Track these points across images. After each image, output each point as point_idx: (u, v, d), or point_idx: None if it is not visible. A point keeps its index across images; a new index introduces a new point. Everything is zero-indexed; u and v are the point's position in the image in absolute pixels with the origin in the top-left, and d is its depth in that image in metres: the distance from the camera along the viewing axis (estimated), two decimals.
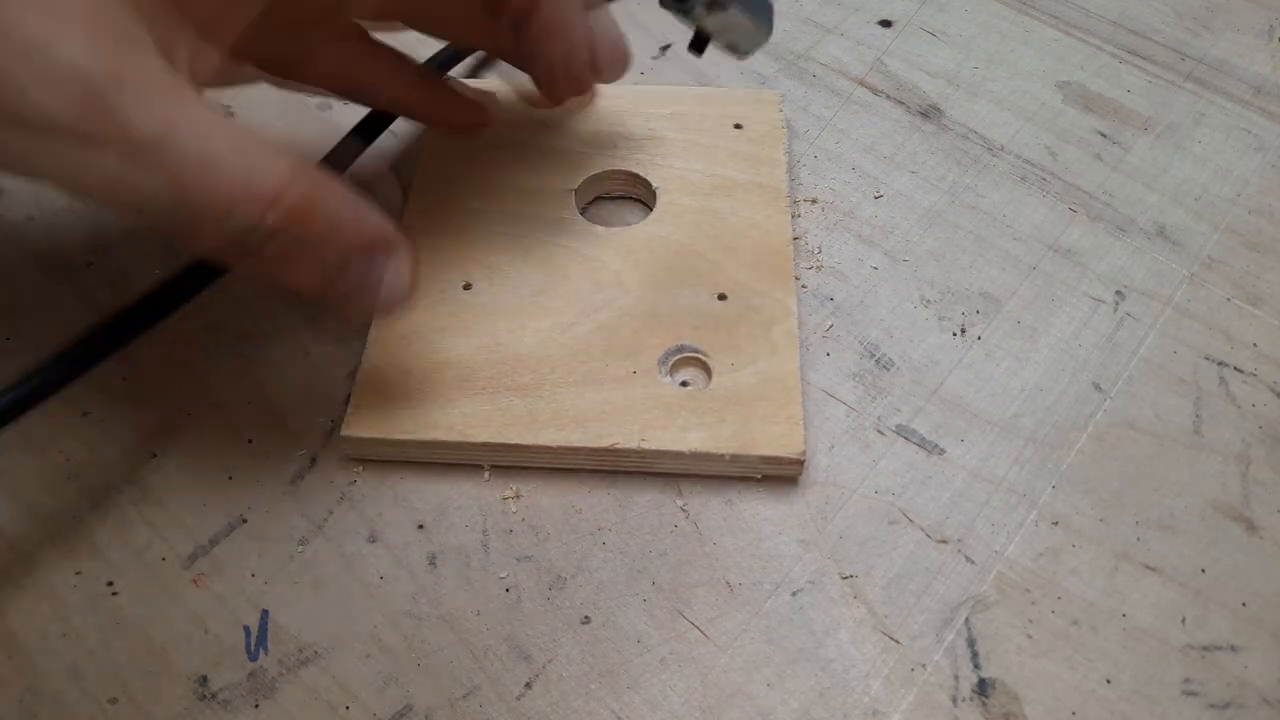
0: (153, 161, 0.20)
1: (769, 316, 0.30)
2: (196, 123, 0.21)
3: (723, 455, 0.27)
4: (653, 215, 0.33)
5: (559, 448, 0.27)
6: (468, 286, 0.31)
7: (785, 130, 0.35)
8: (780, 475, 0.28)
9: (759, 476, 0.28)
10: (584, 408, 0.28)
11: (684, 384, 0.29)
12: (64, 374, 0.26)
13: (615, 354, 0.29)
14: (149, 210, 0.21)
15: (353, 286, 0.23)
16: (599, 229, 0.32)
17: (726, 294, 0.30)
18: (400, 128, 0.35)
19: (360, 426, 0.27)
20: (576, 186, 0.33)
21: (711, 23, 0.26)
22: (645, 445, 0.27)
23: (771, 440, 0.27)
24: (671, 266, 0.31)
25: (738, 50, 0.27)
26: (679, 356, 0.29)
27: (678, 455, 0.27)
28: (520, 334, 0.29)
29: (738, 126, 0.35)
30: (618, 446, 0.27)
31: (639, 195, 0.34)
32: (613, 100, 0.35)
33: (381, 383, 0.28)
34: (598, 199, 0.35)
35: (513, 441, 0.27)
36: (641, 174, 0.33)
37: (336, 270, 0.23)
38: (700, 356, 0.29)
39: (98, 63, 0.20)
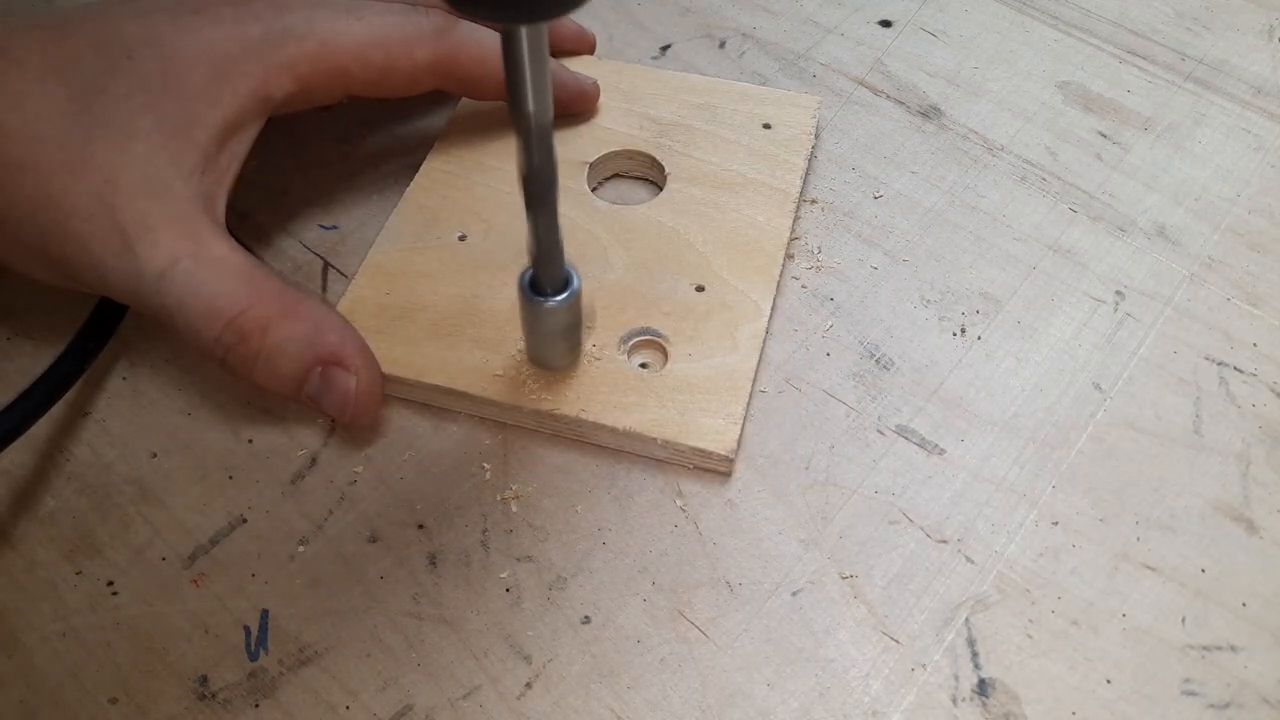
0: (154, 290, 0.25)
1: (740, 315, 0.30)
2: (197, 256, 0.26)
3: (655, 439, 0.27)
4: (656, 199, 0.33)
5: (503, 403, 0.28)
6: (462, 238, 0.32)
7: (813, 136, 0.35)
8: (711, 469, 0.28)
9: (690, 466, 0.28)
10: (537, 370, 0.29)
11: (643, 365, 0.29)
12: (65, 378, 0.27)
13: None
14: (152, 319, 0.26)
15: (313, 394, 0.27)
16: (600, 203, 0.33)
17: (705, 286, 0.31)
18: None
19: None
20: (593, 160, 0.34)
21: (553, 307, 0.26)
22: (584, 416, 0.28)
23: (705, 434, 0.27)
24: (660, 251, 0.32)
25: (544, 355, 0.28)
26: (641, 338, 0.30)
27: (613, 431, 0.28)
28: (498, 290, 0.30)
29: (766, 126, 0.35)
30: (557, 413, 0.28)
31: (653, 178, 0.35)
32: (651, 83, 0.36)
33: (360, 313, 0.30)
34: (615, 176, 0.35)
35: (460, 389, 0.28)
36: (658, 158, 0.34)
37: (294, 379, 0.26)
38: (661, 342, 0.30)
39: (132, 214, 0.25)
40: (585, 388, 0.28)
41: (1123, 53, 0.39)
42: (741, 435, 0.28)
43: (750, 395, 0.29)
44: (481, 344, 0.29)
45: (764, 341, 0.30)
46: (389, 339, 0.29)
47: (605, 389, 0.28)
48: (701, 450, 0.27)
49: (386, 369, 0.28)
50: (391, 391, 0.29)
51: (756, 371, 0.29)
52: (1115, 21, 0.40)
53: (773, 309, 0.31)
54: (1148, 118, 0.37)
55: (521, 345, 0.29)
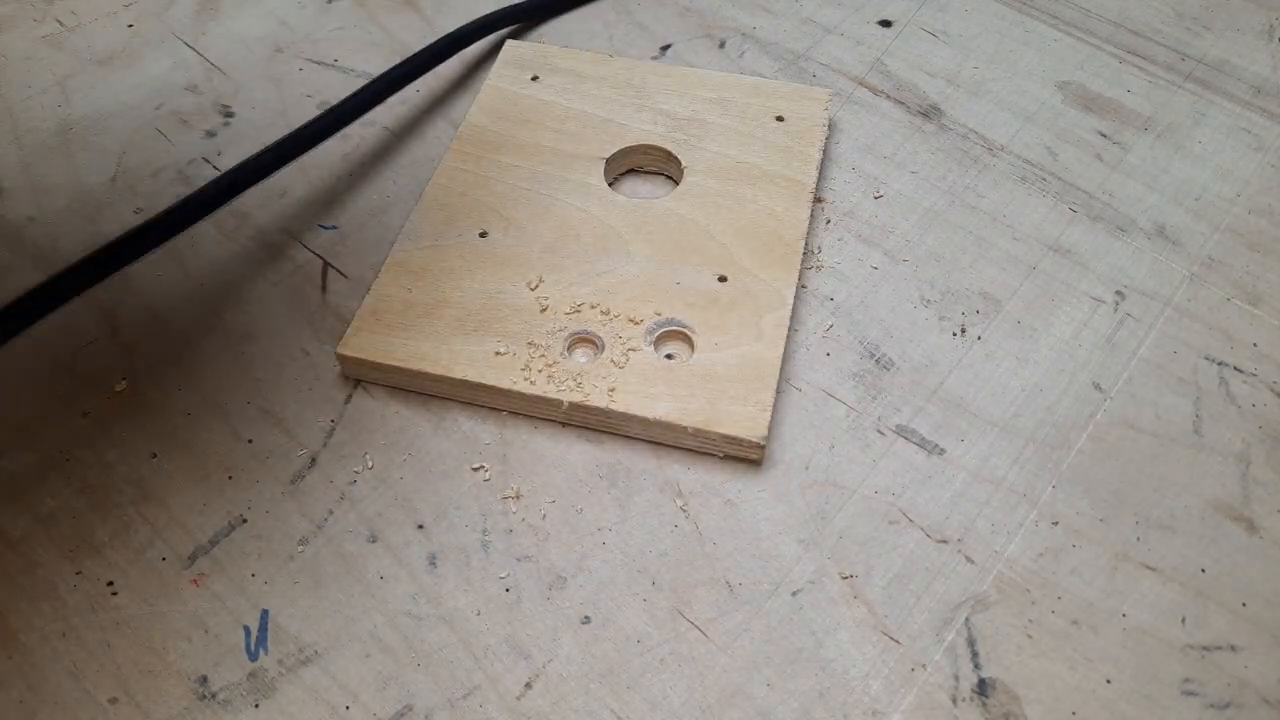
0: None
1: (764, 304, 0.30)
2: None
3: (686, 428, 0.28)
4: (674, 192, 0.33)
5: (532, 395, 0.28)
6: (484, 234, 0.32)
7: (826, 129, 0.35)
8: (742, 456, 0.28)
9: (720, 455, 0.28)
10: (564, 363, 0.29)
11: (669, 356, 0.29)
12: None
13: (606, 318, 0.30)
14: None
15: None
16: (619, 198, 0.33)
17: (727, 276, 0.31)
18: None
19: (356, 347, 0.29)
20: (609, 156, 0.34)
21: None
22: (613, 406, 0.28)
23: (736, 421, 0.28)
24: (680, 243, 0.32)
25: None
26: (667, 329, 0.30)
27: (643, 421, 0.28)
28: (521, 285, 0.31)
29: (779, 119, 0.35)
30: (587, 403, 0.28)
31: (670, 173, 0.35)
32: (662, 79, 0.36)
33: (385, 311, 0.30)
34: (631, 171, 0.35)
35: (489, 383, 0.28)
36: (674, 152, 0.34)
37: None
38: (687, 332, 0.30)
39: None
40: (614, 379, 0.28)
41: (1123, 53, 0.39)
42: (772, 421, 0.28)
43: (779, 382, 0.29)
44: (508, 338, 0.29)
45: (789, 329, 0.30)
46: (416, 334, 0.29)
47: (633, 380, 0.29)
48: (732, 438, 0.28)
49: (414, 364, 0.29)
50: (419, 387, 0.29)
51: (783, 359, 0.29)
52: (1115, 21, 0.40)
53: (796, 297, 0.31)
54: (1148, 118, 0.37)
55: (547, 338, 0.29)
